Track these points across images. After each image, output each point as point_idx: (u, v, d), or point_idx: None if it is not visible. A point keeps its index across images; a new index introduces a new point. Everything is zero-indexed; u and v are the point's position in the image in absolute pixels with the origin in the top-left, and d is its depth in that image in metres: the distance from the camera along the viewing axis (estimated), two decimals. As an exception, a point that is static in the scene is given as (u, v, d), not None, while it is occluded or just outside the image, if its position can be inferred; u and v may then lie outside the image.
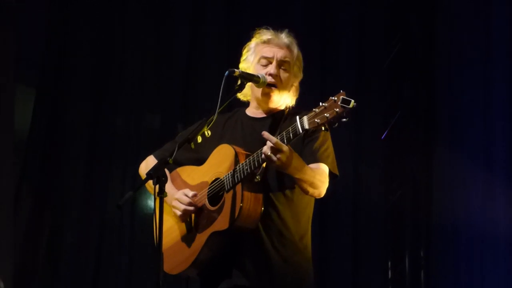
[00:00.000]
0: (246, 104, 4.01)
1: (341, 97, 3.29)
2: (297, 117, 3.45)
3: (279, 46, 3.89)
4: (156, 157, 4.02)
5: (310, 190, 3.67)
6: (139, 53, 6.99)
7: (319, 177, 3.68)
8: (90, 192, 6.64)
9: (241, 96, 3.93)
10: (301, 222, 3.78)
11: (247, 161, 3.60)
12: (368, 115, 7.01)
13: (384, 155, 7.17)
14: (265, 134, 3.51)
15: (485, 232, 6.45)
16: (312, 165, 3.69)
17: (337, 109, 3.29)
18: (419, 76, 7.30)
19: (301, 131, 3.42)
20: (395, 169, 7.17)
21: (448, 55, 7.11)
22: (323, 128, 3.37)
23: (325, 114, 3.32)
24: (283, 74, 3.86)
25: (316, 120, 3.35)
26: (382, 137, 7.17)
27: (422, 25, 7.34)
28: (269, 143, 3.47)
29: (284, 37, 3.91)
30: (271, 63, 3.85)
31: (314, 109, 3.38)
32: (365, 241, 6.97)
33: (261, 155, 3.54)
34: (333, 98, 3.32)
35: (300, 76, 3.95)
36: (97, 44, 6.92)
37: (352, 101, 3.27)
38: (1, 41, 6.34)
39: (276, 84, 3.83)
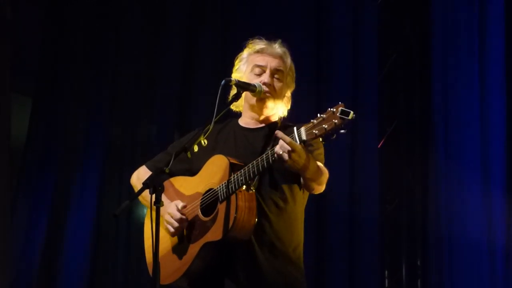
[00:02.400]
0: (238, 114, 4.00)
1: (340, 108, 3.25)
2: (295, 128, 3.42)
3: (273, 55, 3.88)
4: (148, 167, 4.00)
5: (316, 187, 3.67)
6: (134, 62, 7.01)
7: (325, 175, 3.68)
8: (86, 201, 6.64)
9: (233, 106, 3.90)
10: (294, 233, 3.76)
11: (242, 172, 3.57)
12: (364, 125, 7.01)
13: (380, 165, 7.17)
14: (279, 133, 3.46)
15: (481, 241, 6.45)
16: None
17: (336, 121, 3.24)
18: (415, 86, 7.32)
19: (298, 142, 3.40)
20: (392, 178, 7.17)
21: (444, 65, 7.12)
22: (321, 139, 3.34)
23: (324, 126, 3.28)
24: (277, 83, 3.84)
25: (314, 131, 3.32)
26: (378, 146, 7.18)
27: (418, 35, 7.36)
28: (282, 142, 3.43)
29: (277, 47, 3.90)
30: (264, 72, 3.84)
31: (312, 120, 3.34)
32: (361, 249, 6.96)
33: (256, 166, 3.52)
34: (331, 109, 3.28)
35: (293, 86, 3.94)
36: (92, 53, 6.94)
37: (351, 112, 3.23)
38: (-2, 52, 6.37)
39: (270, 92, 3.82)
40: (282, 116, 3.91)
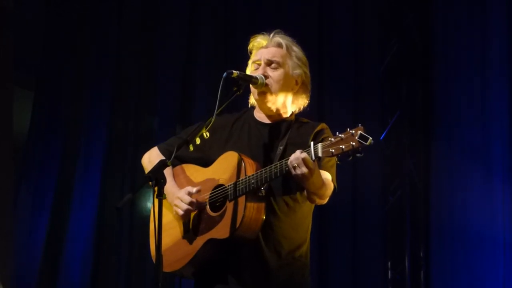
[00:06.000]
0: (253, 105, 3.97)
1: (359, 132, 3.26)
2: (312, 143, 3.43)
3: (267, 47, 3.84)
4: (160, 150, 3.97)
5: (317, 200, 3.68)
6: (136, 54, 7.00)
7: (330, 190, 3.69)
8: (88, 194, 6.64)
9: (250, 100, 3.92)
10: (299, 232, 3.77)
11: (255, 176, 3.57)
12: (367, 116, 7.01)
13: (383, 155, 7.18)
14: (297, 152, 3.46)
15: (483, 232, 6.47)
16: None
17: (354, 143, 3.26)
18: (417, 77, 7.32)
19: (313, 158, 3.41)
20: (394, 169, 7.18)
21: (445, 56, 7.12)
22: (336, 158, 3.37)
23: (341, 146, 3.29)
24: (273, 73, 3.78)
25: (330, 150, 3.33)
26: (381, 137, 7.18)
27: (418, 26, 7.35)
28: (297, 155, 3.43)
29: (271, 38, 3.87)
30: (260, 66, 3.82)
31: (330, 138, 3.36)
32: (365, 240, 6.97)
33: (269, 172, 3.52)
34: (351, 131, 3.29)
35: (301, 70, 3.83)
36: (94, 46, 6.93)
37: (370, 138, 3.25)
38: (0, 44, 6.35)
39: (268, 83, 3.78)
40: (302, 106, 3.89)
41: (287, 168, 3.48)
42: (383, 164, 7.18)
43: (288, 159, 3.47)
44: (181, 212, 3.75)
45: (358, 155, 3.29)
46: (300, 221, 3.76)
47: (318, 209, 6.72)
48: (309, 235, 3.81)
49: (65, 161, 6.69)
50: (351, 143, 3.27)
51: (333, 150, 3.32)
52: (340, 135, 3.33)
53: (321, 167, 3.66)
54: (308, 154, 3.42)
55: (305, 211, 3.78)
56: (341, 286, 6.91)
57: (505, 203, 6.43)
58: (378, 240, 7.01)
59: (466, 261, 6.60)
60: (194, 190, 3.74)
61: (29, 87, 6.85)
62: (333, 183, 3.73)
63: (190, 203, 3.73)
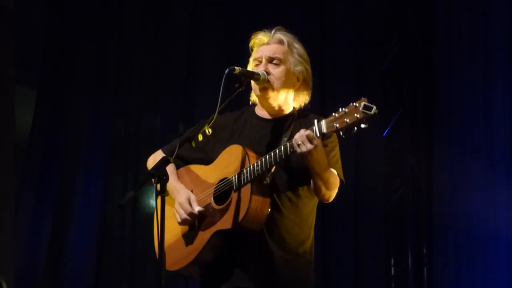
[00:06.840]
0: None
1: (363, 103, 3.25)
2: (315, 120, 3.42)
3: (268, 44, 3.85)
4: (164, 152, 3.97)
5: (323, 190, 3.65)
6: (138, 53, 7.01)
7: (334, 178, 3.67)
8: (91, 192, 6.64)
9: (251, 98, 3.92)
10: (303, 228, 3.76)
11: (258, 163, 3.57)
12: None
13: (385, 154, 7.18)
14: (302, 131, 3.48)
15: (486, 229, 6.46)
16: None
17: (358, 115, 3.25)
18: (418, 76, 7.31)
19: (318, 134, 3.41)
20: (397, 167, 7.17)
21: (448, 53, 7.12)
22: (341, 133, 3.34)
23: (345, 119, 3.28)
24: (275, 69, 3.79)
25: (335, 124, 3.32)
26: (383, 135, 7.18)
27: (421, 24, 7.35)
28: (301, 133, 3.44)
29: (273, 34, 3.87)
30: (261, 63, 3.82)
31: (333, 114, 3.35)
32: (367, 238, 6.97)
33: (274, 157, 3.52)
34: (354, 104, 3.28)
35: (302, 67, 3.84)
36: (96, 45, 6.94)
37: (374, 107, 3.23)
38: (1, 44, 6.35)
39: (269, 80, 3.78)
40: (303, 103, 3.88)
41: (292, 149, 3.48)
42: (385, 162, 7.17)
43: (292, 140, 3.48)
44: (179, 220, 3.75)
45: (362, 126, 3.26)
46: (303, 217, 3.76)
47: (321, 207, 6.74)
48: (313, 231, 3.81)
49: (67, 160, 6.70)
50: (355, 115, 3.25)
51: (337, 125, 3.32)
52: (343, 109, 3.31)
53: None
54: (313, 132, 3.42)
55: (309, 208, 3.78)
56: (344, 283, 6.92)
57: (508, 201, 6.42)
58: (381, 237, 7.01)
59: (469, 259, 6.60)
60: (196, 209, 3.70)
61: (31, 86, 6.86)
62: (340, 177, 3.73)
63: (190, 214, 3.72)
